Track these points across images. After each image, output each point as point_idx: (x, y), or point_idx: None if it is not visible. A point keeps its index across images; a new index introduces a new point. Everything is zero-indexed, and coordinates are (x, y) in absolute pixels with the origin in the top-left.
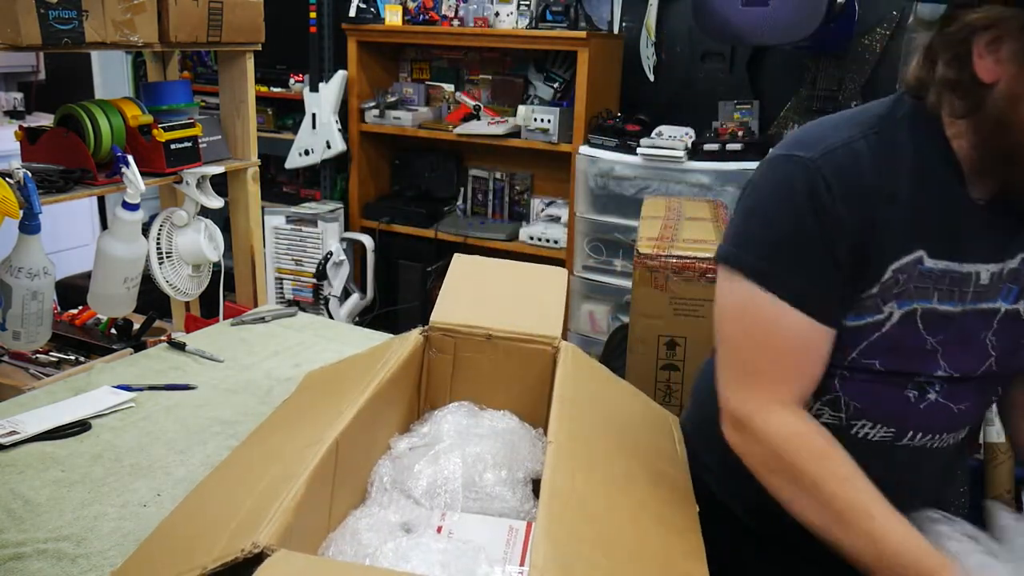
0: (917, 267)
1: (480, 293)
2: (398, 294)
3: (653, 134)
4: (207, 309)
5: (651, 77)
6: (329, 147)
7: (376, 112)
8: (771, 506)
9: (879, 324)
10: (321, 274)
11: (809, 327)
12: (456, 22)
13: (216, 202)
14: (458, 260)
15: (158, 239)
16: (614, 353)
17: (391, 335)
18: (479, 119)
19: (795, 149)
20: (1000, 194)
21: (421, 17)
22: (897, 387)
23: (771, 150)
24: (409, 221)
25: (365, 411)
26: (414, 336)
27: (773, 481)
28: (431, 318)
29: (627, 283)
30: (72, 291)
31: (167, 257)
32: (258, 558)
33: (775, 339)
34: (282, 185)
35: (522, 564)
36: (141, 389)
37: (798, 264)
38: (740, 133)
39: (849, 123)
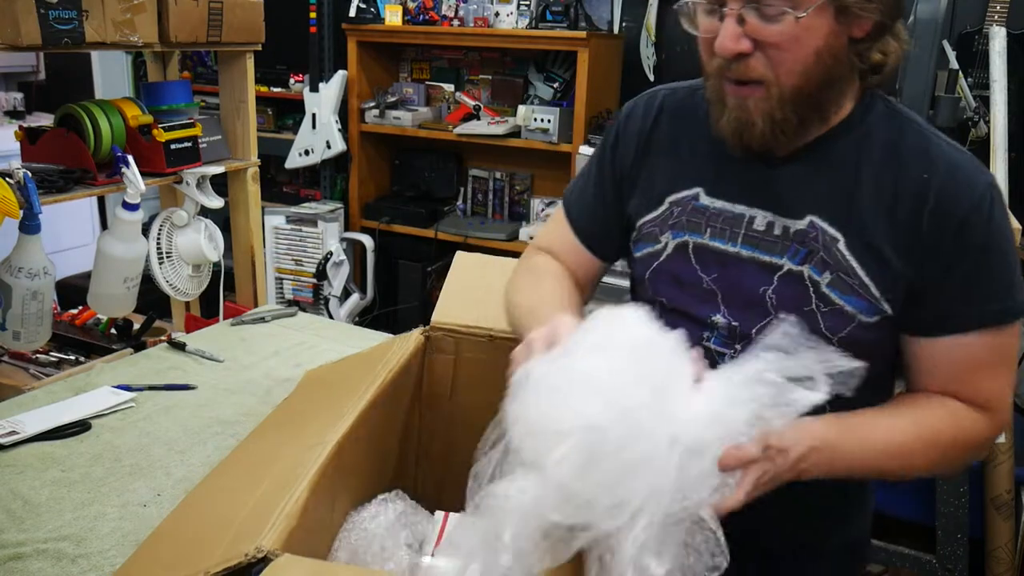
0: (691, 202)
1: (482, 292)
2: (398, 294)
3: None
4: (207, 309)
5: (651, 77)
6: (329, 147)
7: (376, 112)
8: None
9: (657, 253)
10: (321, 274)
11: (576, 243)
12: (456, 22)
13: (216, 202)
14: (460, 258)
15: (158, 239)
16: None
17: (391, 335)
18: (479, 119)
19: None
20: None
21: (421, 17)
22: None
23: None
24: (409, 221)
25: (366, 413)
26: (415, 336)
27: (505, 296)
28: (432, 318)
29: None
30: (72, 291)
31: (167, 257)
32: (261, 562)
33: (562, 236)
34: (282, 185)
35: None
36: (141, 389)
37: (585, 192)
38: None
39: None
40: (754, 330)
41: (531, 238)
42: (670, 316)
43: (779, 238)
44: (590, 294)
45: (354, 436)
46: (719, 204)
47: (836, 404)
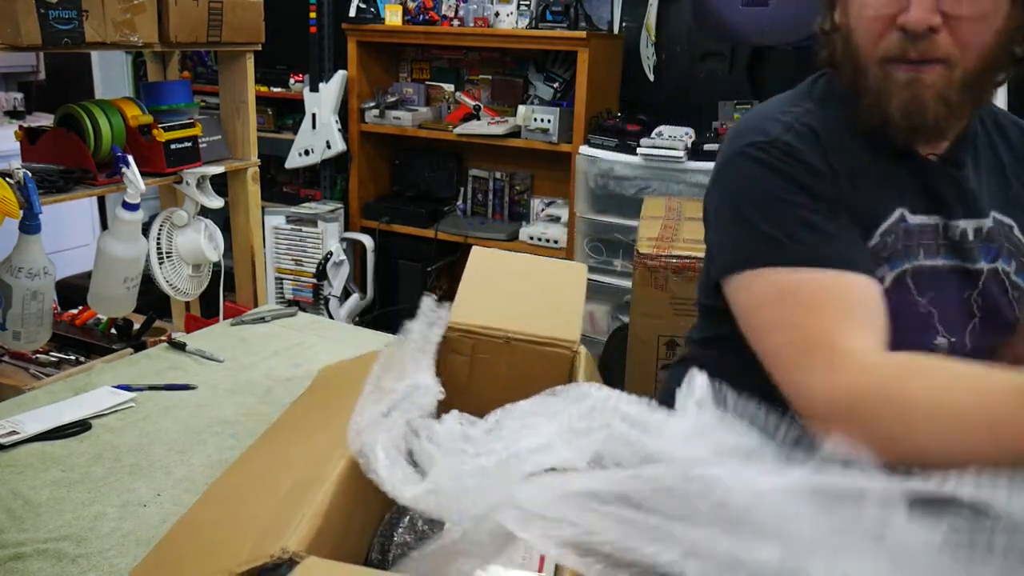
0: (900, 225)
1: (499, 290)
2: (398, 294)
3: (653, 134)
4: (207, 309)
5: (651, 77)
6: (329, 147)
7: (376, 112)
8: None
9: None
10: (321, 274)
11: (839, 277)
12: (456, 22)
13: (216, 202)
14: (477, 253)
15: (158, 239)
16: (614, 353)
17: (391, 335)
18: (479, 119)
19: (752, 138)
20: (901, 139)
21: (421, 17)
22: None
23: (721, 149)
24: (409, 221)
25: None
26: None
27: (899, 434)
28: (449, 318)
29: (627, 283)
30: (72, 291)
31: (167, 257)
32: (286, 563)
33: (816, 300)
34: (282, 185)
35: (540, 570)
36: (141, 389)
37: (799, 224)
38: None
39: (786, 104)
40: (966, 338)
41: (531, 238)
42: None
43: (973, 242)
44: None
45: None
46: (920, 219)
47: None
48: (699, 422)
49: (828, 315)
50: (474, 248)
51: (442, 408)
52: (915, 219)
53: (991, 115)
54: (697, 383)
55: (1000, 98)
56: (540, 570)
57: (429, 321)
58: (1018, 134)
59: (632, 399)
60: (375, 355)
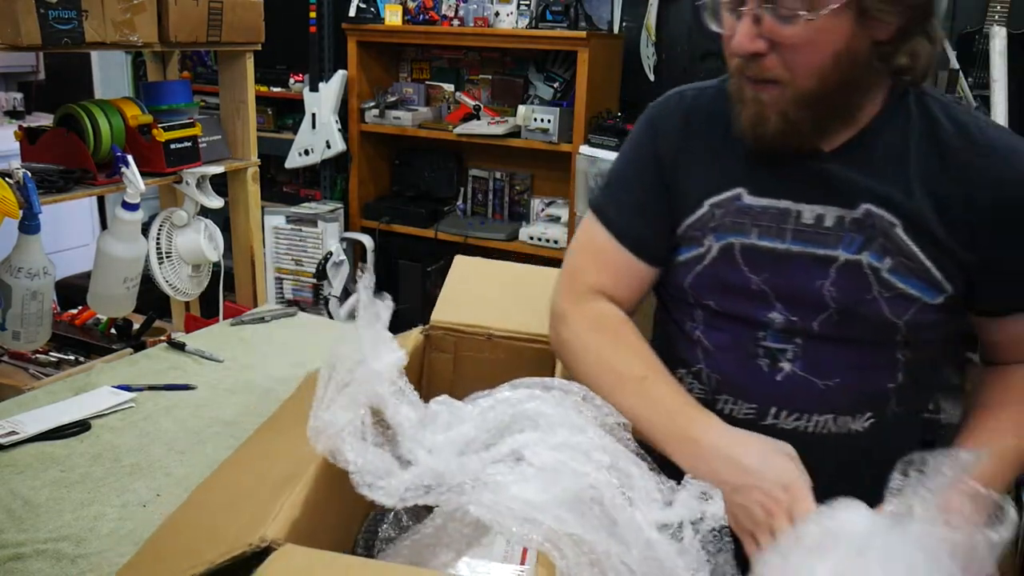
0: (735, 203)
1: (481, 293)
2: (398, 294)
3: None
4: (207, 309)
5: (651, 77)
6: (329, 147)
7: (376, 112)
8: None
9: (701, 257)
10: (321, 274)
11: (623, 253)
12: (456, 22)
13: (216, 202)
14: (460, 261)
15: (158, 239)
16: None
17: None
18: (479, 119)
19: (664, 95)
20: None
21: (421, 17)
22: (746, 352)
23: None
24: (409, 221)
25: None
26: (415, 335)
27: (576, 365)
28: (432, 317)
29: None
30: (72, 291)
31: (167, 257)
32: (266, 552)
33: (600, 254)
34: (282, 185)
35: (523, 563)
36: (141, 389)
37: (622, 200)
38: None
39: (711, 79)
40: (814, 323)
41: (531, 238)
42: (718, 320)
43: (831, 229)
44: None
45: None
46: (764, 202)
47: (902, 392)
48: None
49: (583, 261)
50: (457, 257)
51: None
52: (754, 200)
53: (927, 115)
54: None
55: (1000, 98)
56: (523, 563)
57: (369, 298)
58: (956, 131)
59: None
60: None
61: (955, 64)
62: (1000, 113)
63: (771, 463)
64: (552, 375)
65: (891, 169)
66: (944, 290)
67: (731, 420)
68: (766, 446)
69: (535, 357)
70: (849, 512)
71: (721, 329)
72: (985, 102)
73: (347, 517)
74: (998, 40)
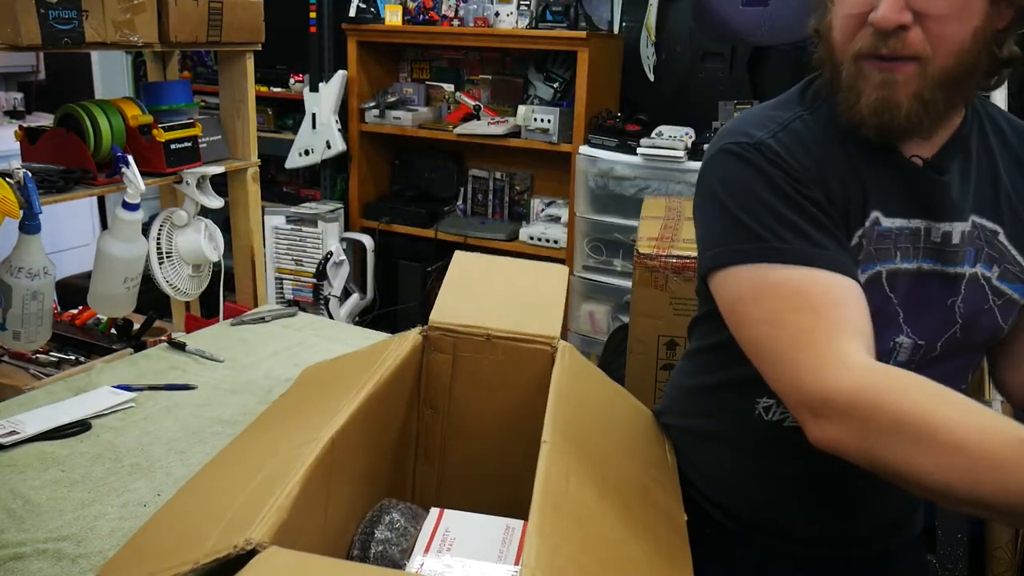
0: (875, 229)
1: (480, 291)
2: (398, 294)
3: (653, 134)
4: (207, 309)
5: (651, 77)
6: (329, 147)
7: (376, 112)
8: (754, 514)
9: None
10: (321, 274)
11: (823, 276)
12: (456, 22)
13: (216, 202)
14: (459, 257)
15: (158, 239)
16: (614, 353)
17: (391, 335)
18: (479, 119)
19: (736, 138)
20: (882, 139)
21: (421, 17)
22: None
23: (707, 148)
24: (409, 221)
25: (362, 410)
26: (413, 335)
27: (883, 449)
28: (430, 317)
29: (627, 283)
30: (72, 291)
31: (167, 257)
32: (251, 554)
33: (806, 298)
34: (282, 185)
35: (517, 563)
36: (141, 389)
37: (781, 224)
38: None
39: (777, 108)
40: (939, 343)
41: (531, 238)
42: None
43: (958, 246)
44: None
45: (349, 432)
46: (898, 223)
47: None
48: None
49: (817, 313)
50: (457, 252)
51: (430, 403)
52: (890, 222)
53: (991, 119)
54: None
55: (1000, 99)
56: (516, 563)
57: None
58: (1018, 139)
59: None
60: (355, 354)
61: None
62: None
63: None
64: (549, 377)
65: (985, 175)
66: None
67: None
68: None
69: (534, 358)
70: None
71: None
72: None
73: (341, 519)
74: None
